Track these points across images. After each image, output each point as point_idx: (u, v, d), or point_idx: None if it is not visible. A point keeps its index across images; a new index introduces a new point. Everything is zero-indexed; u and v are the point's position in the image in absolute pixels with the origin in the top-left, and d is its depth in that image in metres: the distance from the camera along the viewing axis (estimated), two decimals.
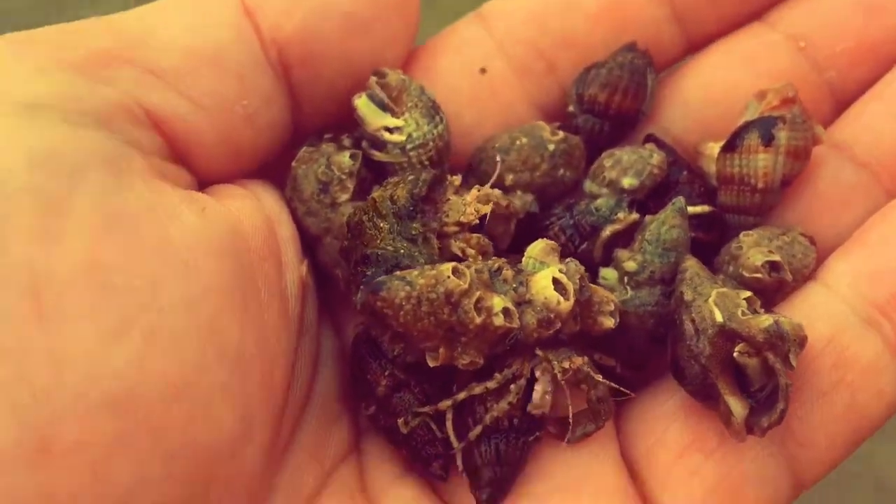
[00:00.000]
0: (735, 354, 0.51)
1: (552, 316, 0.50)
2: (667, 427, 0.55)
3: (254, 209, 0.52)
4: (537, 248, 0.53)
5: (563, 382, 0.52)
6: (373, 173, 0.60)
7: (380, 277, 0.48)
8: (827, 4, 0.64)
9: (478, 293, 0.49)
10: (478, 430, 0.52)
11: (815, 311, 0.56)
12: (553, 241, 0.54)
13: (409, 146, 0.58)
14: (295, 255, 0.54)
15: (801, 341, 0.52)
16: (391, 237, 0.52)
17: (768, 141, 0.60)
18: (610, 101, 0.63)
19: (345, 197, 0.58)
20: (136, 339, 0.41)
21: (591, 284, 0.54)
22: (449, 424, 0.53)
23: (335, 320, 0.61)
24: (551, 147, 0.61)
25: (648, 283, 0.57)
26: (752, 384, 0.52)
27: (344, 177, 0.58)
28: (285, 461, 0.52)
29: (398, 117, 0.59)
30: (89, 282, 0.40)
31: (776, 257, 0.57)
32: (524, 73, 0.63)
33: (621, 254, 0.58)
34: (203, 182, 0.54)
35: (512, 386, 0.52)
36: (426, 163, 0.59)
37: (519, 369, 0.52)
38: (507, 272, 0.51)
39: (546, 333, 0.51)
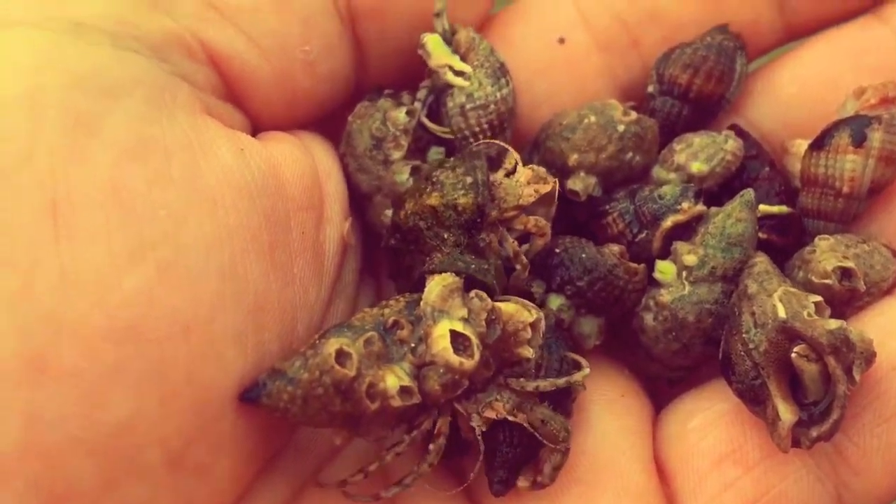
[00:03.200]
0: (793, 356, 0.47)
1: (457, 377, 0.45)
2: (707, 433, 0.51)
3: (299, 158, 0.50)
4: (434, 292, 0.46)
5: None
6: (430, 133, 0.58)
7: (260, 378, 0.44)
8: None
9: (368, 377, 0.43)
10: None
11: (888, 328, 0.51)
12: (454, 277, 0.48)
13: (468, 106, 0.56)
14: (340, 212, 0.53)
15: (870, 357, 0.47)
16: (457, 250, 0.50)
17: (859, 142, 0.55)
18: (691, 83, 0.58)
19: (398, 154, 0.56)
20: (150, 269, 0.40)
21: (503, 304, 0.48)
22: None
23: (377, 283, 0.59)
24: (621, 128, 0.57)
25: (708, 280, 0.53)
26: (808, 396, 0.48)
27: (398, 133, 0.56)
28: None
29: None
30: (110, 205, 0.39)
31: (850, 264, 0.52)
32: (606, 46, 0.59)
33: (681, 246, 0.54)
34: (256, 126, 0.53)
35: (431, 446, 0.47)
36: (485, 126, 0.56)
37: (435, 426, 0.47)
38: (403, 331, 0.46)
39: (454, 395, 0.46)
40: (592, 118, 0.57)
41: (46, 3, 0.44)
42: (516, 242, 0.53)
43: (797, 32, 0.61)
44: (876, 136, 0.55)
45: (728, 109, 0.61)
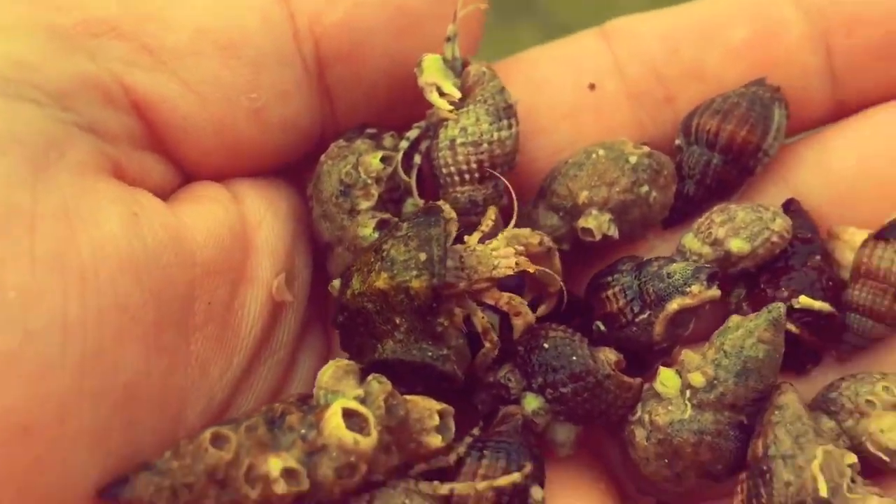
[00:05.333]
0: None
1: (353, 459, 0.40)
2: None
3: (218, 215, 0.45)
4: (327, 373, 0.42)
5: None
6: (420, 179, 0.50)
7: (124, 474, 0.39)
8: None
9: (247, 460, 0.39)
10: None
11: None
12: (348, 361, 0.43)
13: (459, 140, 0.49)
14: (270, 267, 0.47)
15: None
16: (411, 337, 0.44)
17: None
18: (720, 129, 0.51)
19: (366, 205, 0.49)
20: None
21: (410, 397, 0.42)
22: None
23: (328, 341, 0.52)
24: (633, 160, 0.51)
25: (715, 406, 0.44)
26: None
27: (370, 181, 0.49)
28: None
29: (462, 109, 0.49)
30: None
31: None
32: (639, 97, 0.53)
33: (689, 358, 0.45)
34: (191, 176, 0.47)
35: None
36: (474, 166, 0.49)
37: None
38: (293, 416, 0.41)
39: (351, 483, 0.40)
40: (601, 152, 0.51)
41: None
42: (486, 318, 0.46)
43: (849, 108, 0.53)
44: None
45: (770, 175, 0.53)
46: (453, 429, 0.43)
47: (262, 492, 0.38)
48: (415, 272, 0.43)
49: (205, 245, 0.43)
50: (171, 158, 0.46)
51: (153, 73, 0.44)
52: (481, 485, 0.42)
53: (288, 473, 0.39)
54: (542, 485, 0.45)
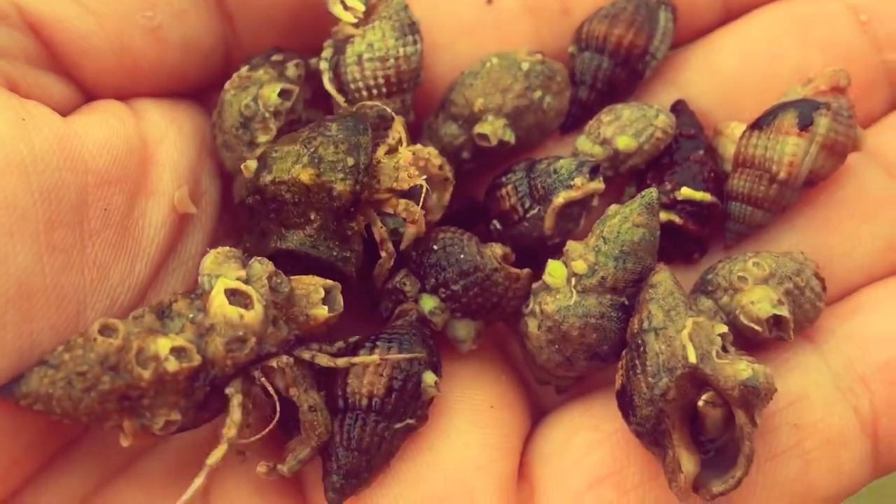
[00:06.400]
0: (700, 404, 0.43)
1: (241, 333, 0.42)
2: (587, 453, 0.47)
3: (115, 127, 0.46)
4: (209, 259, 0.44)
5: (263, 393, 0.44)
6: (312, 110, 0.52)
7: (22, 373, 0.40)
8: None
9: (137, 343, 0.40)
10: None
11: (790, 361, 0.48)
12: (229, 248, 0.45)
13: (366, 56, 0.50)
14: (171, 181, 0.48)
15: (770, 394, 0.43)
16: (322, 235, 0.46)
17: (805, 125, 0.49)
18: (609, 34, 0.53)
19: (265, 138, 0.50)
20: None
21: (295, 276, 0.44)
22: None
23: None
24: (525, 66, 0.53)
25: (597, 290, 0.46)
26: (706, 433, 0.44)
27: (268, 115, 0.50)
28: None
29: (367, 25, 0.51)
30: None
31: (785, 313, 0.46)
32: (536, 11, 0.55)
33: (572, 247, 0.48)
34: (93, 96, 0.48)
35: (227, 419, 0.43)
36: (381, 81, 0.50)
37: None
38: (178, 303, 0.42)
39: (243, 355, 0.42)
40: (495, 60, 0.53)
41: None
42: (384, 228, 0.48)
43: (737, 11, 0.55)
44: (822, 122, 0.49)
45: (660, 78, 0.55)
46: (341, 302, 0.45)
47: (155, 371, 0.40)
48: (341, 175, 0.46)
49: (98, 154, 0.44)
50: (70, 77, 0.47)
51: None
52: (373, 357, 0.45)
53: (178, 351, 0.40)
54: (436, 372, 0.47)
